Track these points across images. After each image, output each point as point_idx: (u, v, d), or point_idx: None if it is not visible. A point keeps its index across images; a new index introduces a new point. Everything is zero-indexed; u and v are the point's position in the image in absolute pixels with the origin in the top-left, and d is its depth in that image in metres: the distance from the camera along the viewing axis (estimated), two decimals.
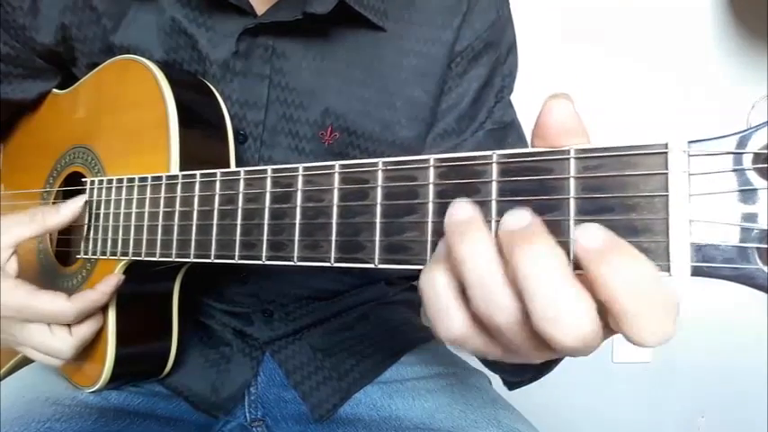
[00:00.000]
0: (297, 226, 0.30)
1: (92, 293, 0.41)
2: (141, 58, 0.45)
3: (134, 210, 0.41)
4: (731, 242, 0.20)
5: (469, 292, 0.22)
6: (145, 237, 0.40)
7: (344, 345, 0.54)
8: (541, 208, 0.23)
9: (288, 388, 0.51)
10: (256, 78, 0.47)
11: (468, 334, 0.24)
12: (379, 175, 0.27)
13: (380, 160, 0.27)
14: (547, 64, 0.96)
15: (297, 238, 0.30)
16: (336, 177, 0.29)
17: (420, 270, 0.26)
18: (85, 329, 0.42)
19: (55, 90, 0.54)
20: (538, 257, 0.21)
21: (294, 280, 0.51)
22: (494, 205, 0.24)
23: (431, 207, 0.26)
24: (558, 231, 0.23)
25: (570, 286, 0.20)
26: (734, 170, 0.20)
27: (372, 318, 0.56)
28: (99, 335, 0.44)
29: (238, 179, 0.34)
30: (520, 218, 0.22)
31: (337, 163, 0.29)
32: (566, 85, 1.07)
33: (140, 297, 0.45)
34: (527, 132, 0.53)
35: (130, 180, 0.41)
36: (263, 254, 0.31)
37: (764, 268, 0.20)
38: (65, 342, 0.41)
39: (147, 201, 0.40)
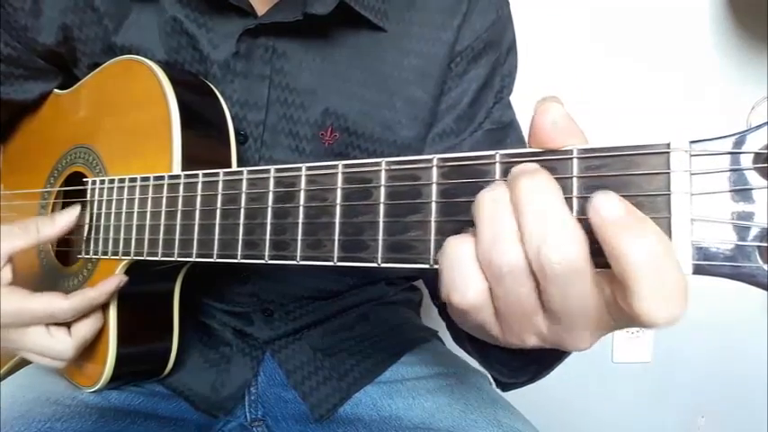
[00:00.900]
0: (300, 225, 0.30)
1: (91, 292, 0.41)
2: (143, 59, 0.45)
3: (136, 209, 0.41)
4: (732, 241, 0.20)
5: (479, 234, 0.23)
6: (147, 236, 0.40)
7: (344, 345, 0.54)
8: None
9: (288, 388, 0.51)
10: (257, 79, 0.47)
11: (480, 301, 0.24)
12: (382, 174, 0.27)
13: (383, 160, 0.27)
14: (546, 64, 0.96)
15: (300, 237, 0.30)
16: (339, 177, 0.29)
17: (423, 269, 0.26)
18: (85, 330, 0.42)
19: (56, 90, 0.54)
20: (534, 186, 0.22)
21: (294, 280, 0.52)
22: None
23: (434, 206, 0.26)
24: None
25: (564, 213, 0.22)
26: (735, 170, 0.21)
27: (372, 318, 0.56)
28: (100, 335, 0.44)
29: (241, 179, 0.34)
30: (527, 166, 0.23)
31: (340, 163, 0.29)
32: (565, 86, 1.07)
33: (141, 297, 0.45)
34: (525, 134, 0.53)
35: (132, 180, 0.41)
36: (266, 253, 0.32)
37: (765, 267, 0.20)
38: (64, 343, 0.41)
39: (149, 200, 0.40)
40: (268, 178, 0.32)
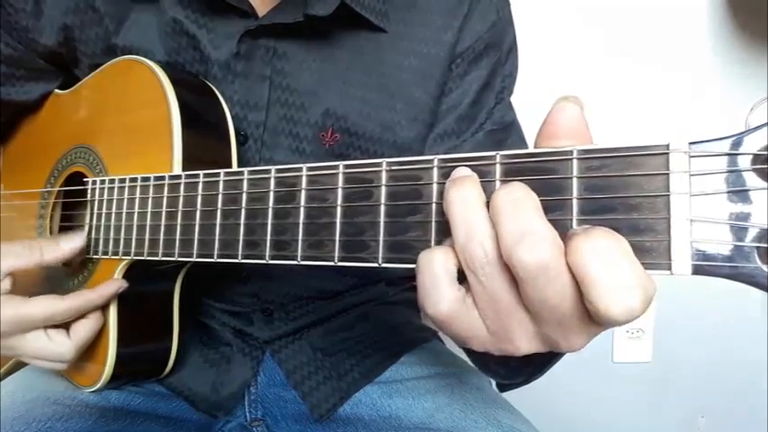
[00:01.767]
0: (300, 225, 0.30)
1: (90, 294, 0.41)
2: (144, 59, 0.45)
3: (136, 210, 0.41)
4: (731, 241, 0.21)
5: (454, 233, 0.24)
6: (147, 236, 0.40)
7: (344, 345, 0.54)
8: (544, 208, 0.23)
9: (288, 387, 0.51)
10: (257, 79, 0.47)
11: (454, 310, 0.24)
12: (383, 175, 0.28)
13: (384, 160, 0.28)
14: (547, 65, 0.96)
15: (300, 237, 0.30)
16: (340, 177, 0.29)
17: None
18: (83, 330, 0.42)
19: (56, 90, 0.54)
20: (511, 193, 0.23)
21: (294, 280, 0.52)
22: None
23: (434, 207, 0.26)
24: (561, 231, 0.23)
25: (539, 217, 0.22)
26: (734, 171, 0.21)
27: (372, 318, 0.56)
28: (99, 335, 0.44)
29: (242, 179, 0.34)
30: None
31: (341, 163, 0.29)
32: (565, 86, 1.07)
33: (141, 297, 0.45)
34: (529, 133, 0.53)
35: (133, 180, 0.41)
36: (267, 253, 0.32)
37: (764, 267, 0.20)
38: (64, 345, 0.41)
39: (150, 201, 0.40)
40: (269, 178, 0.32)
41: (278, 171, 0.32)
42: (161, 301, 0.47)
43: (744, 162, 0.21)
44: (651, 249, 0.22)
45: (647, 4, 1.01)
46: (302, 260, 0.30)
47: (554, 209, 0.23)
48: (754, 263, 0.20)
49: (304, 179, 0.30)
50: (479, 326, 0.25)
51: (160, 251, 0.39)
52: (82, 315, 0.42)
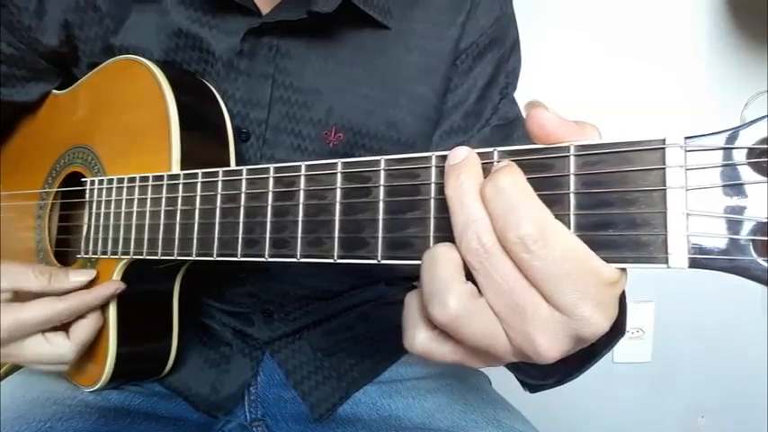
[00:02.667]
0: (299, 223, 0.30)
1: (87, 295, 0.41)
2: (141, 59, 0.45)
3: (135, 209, 0.41)
4: (727, 234, 0.21)
5: (453, 223, 0.24)
6: (146, 236, 0.40)
7: (344, 345, 0.54)
8: (543, 203, 0.23)
9: (287, 387, 0.51)
10: (260, 77, 0.47)
11: (464, 306, 0.24)
12: (382, 172, 0.28)
13: (383, 158, 0.28)
14: (546, 63, 0.96)
15: (300, 235, 0.30)
16: (339, 175, 0.29)
17: None
18: (83, 331, 0.42)
19: (54, 90, 0.54)
20: (496, 182, 0.24)
21: (294, 280, 0.52)
22: None
23: (433, 203, 0.26)
24: None
25: (523, 196, 0.23)
26: (729, 165, 0.21)
27: (372, 318, 0.56)
28: (99, 334, 0.44)
29: (241, 178, 0.34)
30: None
31: (339, 161, 0.29)
32: (565, 84, 1.07)
33: (141, 296, 0.45)
34: None
35: (131, 180, 0.41)
36: (266, 251, 0.32)
37: (760, 260, 0.20)
38: (64, 347, 0.41)
39: (149, 200, 0.40)
40: (267, 177, 0.32)
41: (276, 170, 0.32)
42: (160, 300, 0.47)
43: (739, 156, 0.21)
44: (648, 243, 0.22)
45: (647, 3, 1.01)
46: (302, 258, 0.30)
47: (551, 204, 0.23)
48: (750, 255, 0.20)
49: (303, 177, 0.31)
50: (494, 326, 0.24)
51: (159, 250, 0.39)
52: (81, 315, 0.42)
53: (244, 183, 0.34)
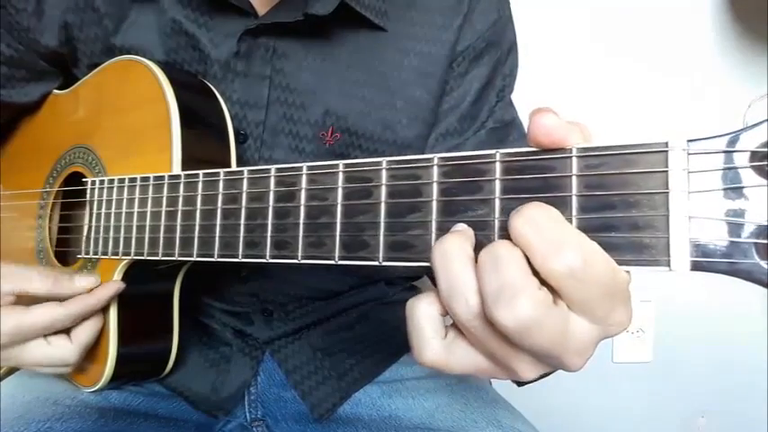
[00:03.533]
0: (301, 225, 0.30)
1: (89, 298, 0.41)
2: (142, 59, 0.45)
3: (136, 210, 0.41)
4: (729, 238, 0.21)
5: (438, 286, 0.24)
6: (147, 236, 0.40)
7: (344, 344, 0.54)
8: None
9: (287, 387, 0.51)
10: (257, 79, 0.47)
11: (442, 358, 0.25)
12: (383, 173, 0.28)
13: (384, 159, 0.28)
14: (547, 64, 0.96)
15: (301, 236, 0.30)
16: (340, 176, 0.29)
17: (424, 267, 0.26)
18: (85, 333, 0.42)
19: (55, 90, 0.54)
20: (492, 250, 0.23)
21: (294, 280, 0.52)
22: (497, 203, 0.25)
23: (434, 205, 0.26)
24: None
25: (519, 271, 0.22)
26: (732, 168, 0.21)
27: (372, 318, 0.56)
28: (100, 335, 0.44)
29: (242, 179, 0.34)
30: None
31: (341, 162, 0.29)
32: (565, 85, 1.07)
33: (141, 297, 0.45)
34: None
35: (132, 180, 0.41)
36: (267, 252, 0.32)
37: (762, 263, 0.20)
38: (66, 349, 0.41)
39: (150, 200, 0.40)
40: (269, 178, 0.32)
41: (278, 170, 0.32)
42: (161, 300, 0.47)
43: (741, 159, 0.21)
44: (650, 246, 0.22)
45: (648, 3, 1.01)
46: (303, 259, 0.30)
47: (553, 206, 0.23)
48: (752, 258, 0.20)
49: (304, 178, 0.31)
50: (479, 361, 0.25)
51: (160, 251, 0.39)
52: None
53: (245, 183, 0.34)
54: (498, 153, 0.25)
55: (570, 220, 0.23)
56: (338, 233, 0.29)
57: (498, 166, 0.25)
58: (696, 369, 1.07)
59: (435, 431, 0.46)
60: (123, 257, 0.42)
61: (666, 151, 0.22)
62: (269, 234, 0.32)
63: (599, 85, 1.01)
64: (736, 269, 0.20)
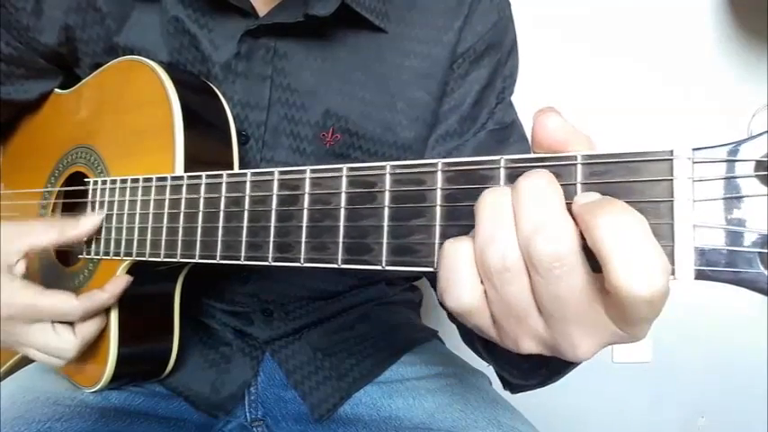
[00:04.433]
0: (304, 228, 0.30)
1: (101, 294, 0.41)
2: (146, 59, 0.45)
3: (138, 210, 0.41)
4: (734, 247, 0.21)
5: (477, 234, 0.23)
6: (149, 237, 0.40)
7: (344, 344, 0.54)
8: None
9: (288, 388, 0.51)
10: (258, 79, 0.47)
11: (475, 305, 0.24)
12: (387, 178, 0.28)
13: (388, 164, 0.28)
14: (547, 66, 0.96)
15: (303, 239, 0.30)
16: (344, 180, 0.29)
17: (427, 272, 0.26)
18: (89, 330, 0.42)
19: (57, 90, 0.54)
20: (536, 184, 0.23)
21: (294, 280, 0.52)
22: None
23: (438, 210, 0.26)
24: None
25: (559, 209, 0.22)
26: (737, 177, 0.21)
27: (372, 318, 0.56)
28: (101, 335, 0.44)
29: (245, 181, 0.34)
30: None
31: (345, 166, 0.29)
32: (565, 86, 1.07)
33: (142, 297, 0.45)
34: (530, 134, 0.53)
35: (134, 180, 0.41)
36: (270, 255, 0.32)
37: (766, 272, 0.20)
38: (69, 342, 0.41)
39: (152, 202, 0.40)
40: (272, 181, 0.32)
41: (281, 173, 0.32)
42: (162, 301, 0.47)
43: (747, 168, 0.21)
44: None
45: (649, 5, 1.01)
46: (305, 263, 0.30)
47: None
48: (757, 268, 0.20)
49: (307, 182, 0.30)
50: (488, 324, 0.25)
51: (162, 252, 0.39)
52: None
53: (248, 186, 0.34)
54: (503, 159, 0.25)
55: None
56: (341, 237, 0.29)
57: (503, 173, 0.25)
58: (696, 369, 1.07)
59: (435, 431, 0.46)
60: (125, 258, 0.42)
61: (671, 159, 0.22)
62: (272, 237, 0.32)
63: (599, 85, 1.01)
64: (740, 278, 0.20)
